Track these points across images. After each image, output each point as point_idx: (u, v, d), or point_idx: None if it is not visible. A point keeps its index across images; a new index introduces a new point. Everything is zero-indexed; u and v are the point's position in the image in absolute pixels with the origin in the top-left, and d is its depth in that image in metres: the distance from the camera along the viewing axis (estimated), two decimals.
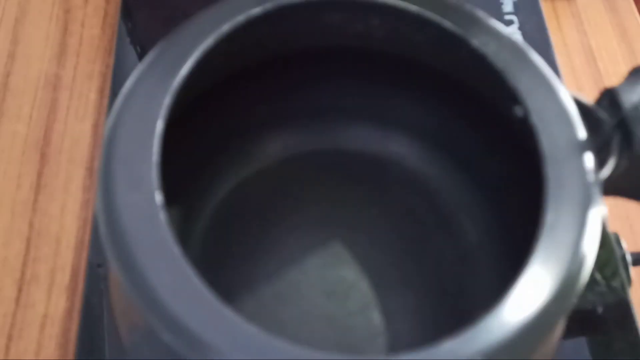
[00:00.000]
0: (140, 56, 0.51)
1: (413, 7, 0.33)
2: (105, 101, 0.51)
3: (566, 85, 0.52)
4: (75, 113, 0.51)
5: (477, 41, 0.32)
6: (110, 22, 0.56)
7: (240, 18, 0.32)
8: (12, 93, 0.52)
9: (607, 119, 0.32)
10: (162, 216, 0.26)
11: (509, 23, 0.53)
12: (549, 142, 0.29)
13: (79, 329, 0.39)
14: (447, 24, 0.33)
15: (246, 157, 0.42)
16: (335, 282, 0.39)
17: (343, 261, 0.40)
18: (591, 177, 0.28)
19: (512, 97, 0.31)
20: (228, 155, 0.41)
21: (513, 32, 0.46)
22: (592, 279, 0.40)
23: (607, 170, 0.31)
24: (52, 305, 0.43)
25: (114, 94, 0.48)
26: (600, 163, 0.30)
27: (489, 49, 0.32)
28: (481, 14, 0.34)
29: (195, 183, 0.40)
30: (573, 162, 0.29)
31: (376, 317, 0.38)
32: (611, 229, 0.43)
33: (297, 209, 0.42)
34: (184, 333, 0.23)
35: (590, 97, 0.32)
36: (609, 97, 0.32)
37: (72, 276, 0.44)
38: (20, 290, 0.43)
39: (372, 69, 0.40)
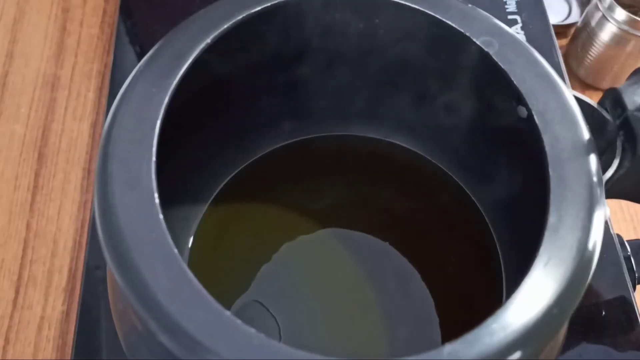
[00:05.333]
0: (140, 55, 0.51)
1: (416, 6, 0.33)
2: (104, 101, 0.51)
3: (569, 85, 0.52)
4: (74, 113, 0.51)
5: (480, 41, 0.32)
6: (109, 21, 0.56)
7: (238, 17, 0.32)
8: (10, 93, 0.51)
9: (610, 119, 0.31)
10: (160, 217, 0.26)
11: (512, 23, 0.53)
12: (552, 142, 0.29)
13: (76, 331, 0.39)
14: (450, 23, 0.33)
15: (245, 157, 0.42)
16: (335, 283, 0.39)
17: (343, 262, 0.40)
18: (595, 178, 0.28)
19: (515, 97, 0.31)
20: (227, 154, 0.41)
21: (516, 32, 0.46)
22: None
23: (610, 171, 0.31)
24: (50, 307, 0.43)
25: (112, 93, 0.48)
26: (603, 164, 0.30)
27: (493, 49, 0.32)
28: (485, 13, 0.33)
29: (193, 182, 0.39)
30: (577, 163, 0.28)
31: (377, 320, 0.38)
32: (615, 230, 0.43)
33: (297, 208, 0.42)
34: (181, 335, 0.23)
35: (593, 98, 0.32)
36: (613, 97, 0.31)
37: (69, 278, 0.44)
38: (17, 292, 0.43)
39: (373, 69, 0.39)
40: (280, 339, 0.36)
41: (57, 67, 0.53)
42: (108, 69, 0.52)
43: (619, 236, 0.42)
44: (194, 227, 0.40)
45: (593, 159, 0.29)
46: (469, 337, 0.24)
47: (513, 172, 0.37)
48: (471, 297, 0.39)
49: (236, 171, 0.42)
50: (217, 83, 0.36)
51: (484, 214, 0.41)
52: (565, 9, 0.60)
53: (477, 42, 0.32)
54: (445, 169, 0.43)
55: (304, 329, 0.37)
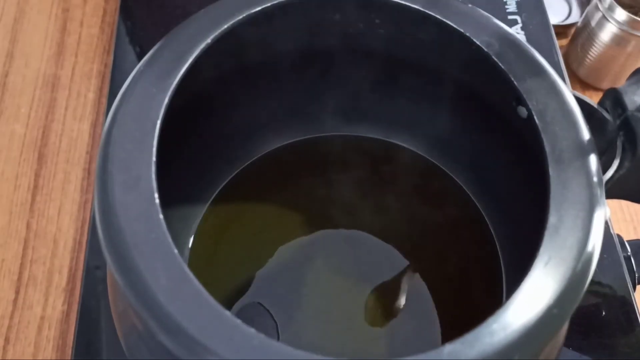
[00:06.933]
0: (140, 55, 0.51)
1: (415, 6, 0.33)
2: (104, 101, 0.51)
3: (570, 86, 0.52)
4: (74, 113, 0.51)
5: (480, 41, 0.32)
6: (109, 21, 0.56)
7: (239, 16, 0.32)
8: (11, 93, 0.51)
9: (610, 119, 0.31)
10: (160, 217, 0.26)
11: (512, 23, 0.53)
12: (552, 142, 0.29)
13: (76, 331, 0.39)
14: (450, 23, 0.33)
15: (245, 157, 0.42)
16: (335, 283, 0.39)
17: (343, 262, 0.40)
18: (595, 178, 0.28)
19: (515, 97, 0.31)
20: (227, 154, 0.41)
21: (516, 32, 0.46)
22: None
23: (610, 172, 0.31)
24: (50, 307, 0.43)
25: (112, 93, 0.48)
26: (603, 164, 0.30)
27: (493, 49, 0.32)
28: (485, 13, 0.33)
29: (193, 182, 0.39)
30: (577, 163, 0.28)
31: (377, 320, 0.38)
32: (615, 231, 0.43)
33: (297, 209, 0.42)
34: (181, 335, 0.23)
35: (593, 98, 0.32)
36: (613, 97, 0.31)
37: (69, 278, 0.44)
38: (17, 292, 0.43)
39: (374, 69, 0.39)
40: (278, 339, 0.36)
41: (57, 67, 0.53)
42: (108, 69, 0.52)
43: (619, 236, 0.42)
44: (194, 227, 0.40)
45: (593, 159, 0.29)
46: (469, 337, 0.24)
47: (513, 172, 0.37)
48: (471, 297, 0.39)
49: (236, 171, 0.42)
50: (217, 83, 0.36)
51: (483, 213, 0.41)
52: (565, 9, 0.60)
53: (477, 42, 0.32)
54: (445, 169, 0.43)
55: (304, 329, 0.37)
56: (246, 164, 0.42)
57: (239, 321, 0.23)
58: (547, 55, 0.41)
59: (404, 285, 0.39)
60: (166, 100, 0.29)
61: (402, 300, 0.39)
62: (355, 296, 0.39)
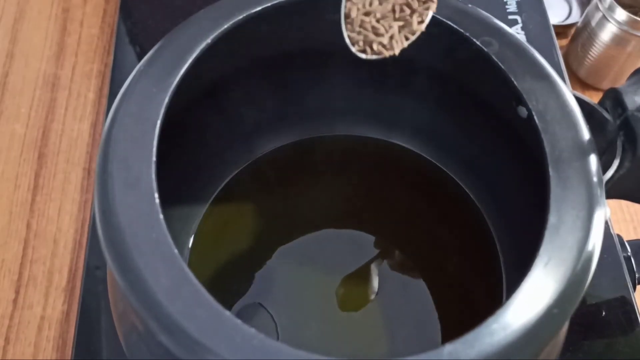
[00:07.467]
0: (140, 55, 0.51)
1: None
2: (104, 101, 0.51)
3: (570, 86, 0.52)
4: (74, 113, 0.51)
5: (480, 41, 0.32)
6: (109, 21, 0.56)
7: (239, 17, 0.32)
8: (11, 93, 0.51)
9: (610, 119, 0.31)
10: (160, 217, 0.26)
11: (512, 23, 0.53)
12: (552, 142, 0.29)
13: (76, 331, 0.39)
14: (450, 23, 0.33)
15: (245, 157, 0.42)
16: (335, 284, 0.39)
17: (343, 262, 0.40)
18: (595, 178, 0.28)
19: (515, 97, 0.31)
20: (227, 154, 0.41)
21: (516, 32, 0.46)
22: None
23: (610, 172, 0.31)
24: (50, 307, 0.43)
25: (112, 93, 0.48)
26: (603, 164, 0.30)
27: (493, 49, 0.32)
28: (485, 13, 0.33)
29: (193, 182, 0.39)
30: (577, 163, 0.28)
31: (377, 320, 0.38)
32: (615, 231, 0.43)
33: (297, 208, 0.42)
34: (181, 335, 0.23)
35: (593, 98, 0.32)
36: (613, 97, 0.31)
37: (69, 278, 0.44)
38: (17, 292, 0.43)
39: (373, 70, 0.39)
40: (278, 339, 0.36)
41: (57, 67, 0.53)
42: (108, 69, 0.52)
43: (619, 236, 0.42)
44: (194, 227, 0.40)
45: (593, 159, 0.29)
46: (469, 337, 0.24)
47: (513, 172, 0.37)
48: (471, 297, 0.39)
49: (236, 171, 0.42)
50: (217, 83, 0.36)
51: (484, 214, 0.41)
52: (565, 9, 0.60)
53: (477, 42, 0.32)
54: (445, 169, 0.43)
55: (304, 329, 0.37)
56: (246, 164, 0.42)
57: (239, 321, 0.23)
58: (547, 55, 0.41)
59: (404, 285, 0.39)
60: (166, 100, 0.29)
61: (402, 300, 0.39)
62: (355, 298, 0.39)
